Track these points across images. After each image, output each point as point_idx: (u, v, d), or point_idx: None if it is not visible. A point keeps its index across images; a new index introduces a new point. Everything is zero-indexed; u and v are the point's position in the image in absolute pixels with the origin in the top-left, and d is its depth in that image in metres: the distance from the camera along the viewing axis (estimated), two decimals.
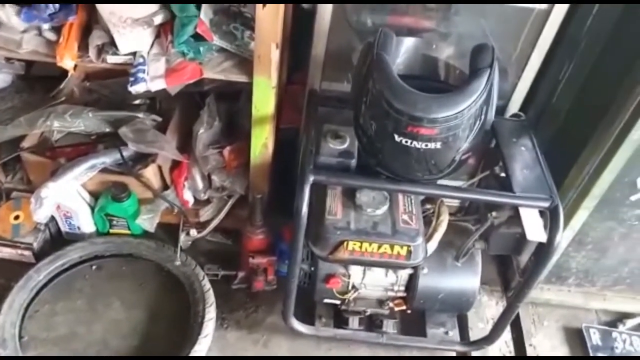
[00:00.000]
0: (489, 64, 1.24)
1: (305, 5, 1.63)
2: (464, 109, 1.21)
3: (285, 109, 1.82)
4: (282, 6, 1.39)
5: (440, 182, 1.44)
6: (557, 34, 1.49)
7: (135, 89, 1.44)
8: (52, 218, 1.76)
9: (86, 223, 1.78)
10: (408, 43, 1.49)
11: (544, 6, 1.45)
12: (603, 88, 1.45)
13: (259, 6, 1.33)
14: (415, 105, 1.21)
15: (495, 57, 1.25)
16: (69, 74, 1.80)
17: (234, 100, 1.86)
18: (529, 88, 1.61)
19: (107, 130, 1.77)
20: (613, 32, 1.44)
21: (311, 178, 1.31)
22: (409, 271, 1.56)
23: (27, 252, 1.75)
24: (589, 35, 1.48)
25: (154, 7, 1.46)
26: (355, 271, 1.56)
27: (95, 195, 1.78)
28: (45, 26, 1.46)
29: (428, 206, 1.59)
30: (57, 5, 1.43)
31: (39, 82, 2.00)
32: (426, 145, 1.23)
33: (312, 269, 1.57)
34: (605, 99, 1.40)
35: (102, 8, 1.42)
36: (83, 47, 1.47)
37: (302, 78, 1.69)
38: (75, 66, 1.48)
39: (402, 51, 1.48)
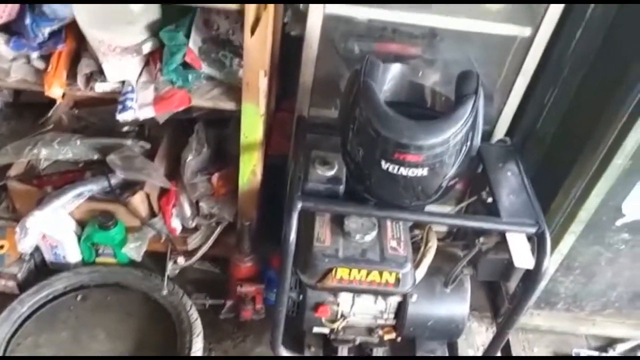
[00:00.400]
0: (474, 90, 1.25)
1: (293, 32, 1.66)
2: (450, 136, 1.22)
3: (274, 136, 1.83)
4: (270, 35, 1.41)
5: (428, 208, 1.46)
6: (540, 61, 1.52)
7: (123, 117, 1.44)
8: (37, 247, 1.74)
9: (72, 252, 1.76)
10: (394, 70, 1.50)
11: (527, 33, 1.49)
12: (587, 113, 1.47)
13: (247, 34, 1.35)
14: (402, 132, 1.22)
15: (480, 84, 1.27)
16: (57, 102, 1.79)
17: (223, 126, 1.87)
18: (515, 113, 1.64)
19: (95, 157, 1.77)
20: (596, 58, 1.47)
21: (299, 205, 1.31)
22: (398, 298, 1.55)
23: (10, 283, 1.72)
24: (572, 61, 1.51)
25: (143, 36, 1.47)
26: (345, 299, 1.54)
27: (81, 224, 1.76)
28: (34, 55, 1.47)
29: (416, 232, 1.59)
30: (46, 34, 1.44)
31: (28, 109, 2.00)
32: (413, 172, 1.24)
33: (301, 297, 1.56)
34: (589, 124, 1.42)
35: (91, 36, 1.43)
36: (71, 75, 1.48)
37: (291, 105, 1.71)
38: (64, 94, 1.48)
39: (389, 78, 1.49)
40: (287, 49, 1.71)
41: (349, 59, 1.67)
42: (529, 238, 1.39)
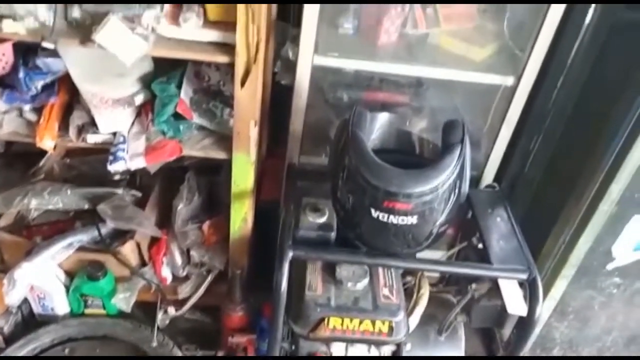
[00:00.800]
0: (460, 139, 1.28)
1: (283, 81, 1.69)
2: (438, 184, 1.23)
3: (265, 182, 1.84)
4: (260, 86, 1.43)
5: (419, 254, 1.45)
6: (524, 108, 1.56)
7: (114, 168, 1.45)
8: (25, 299, 1.71)
9: (60, 304, 1.73)
10: (382, 119, 1.53)
11: (510, 82, 1.53)
12: (571, 160, 1.50)
13: (237, 87, 1.38)
14: (391, 181, 1.23)
15: (466, 133, 1.29)
16: (49, 152, 1.80)
17: (214, 173, 1.88)
18: (502, 159, 1.66)
19: (86, 207, 1.76)
20: (577, 106, 1.51)
21: (290, 254, 1.31)
22: (392, 347, 1.53)
23: None
24: (554, 109, 1.54)
25: (135, 88, 1.50)
26: (338, 349, 1.52)
27: (70, 274, 1.73)
28: (27, 107, 1.48)
29: (409, 278, 1.58)
30: (39, 87, 1.46)
31: (19, 159, 2.00)
32: (403, 220, 1.25)
33: (293, 347, 1.53)
34: (574, 171, 1.45)
35: (83, 89, 1.46)
36: (63, 126, 1.49)
37: (282, 151, 1.72)
38: (55, 146, 1.49)
39: (377, 126, 1.52)
40: (278, 96, 1.74)
41: (338, 107, 1.71)
42: (521, 284, 1.40)
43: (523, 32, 1.50)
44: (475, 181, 1.67)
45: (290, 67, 1.58)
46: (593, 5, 1.42)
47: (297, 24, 1.47)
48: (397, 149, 1.52)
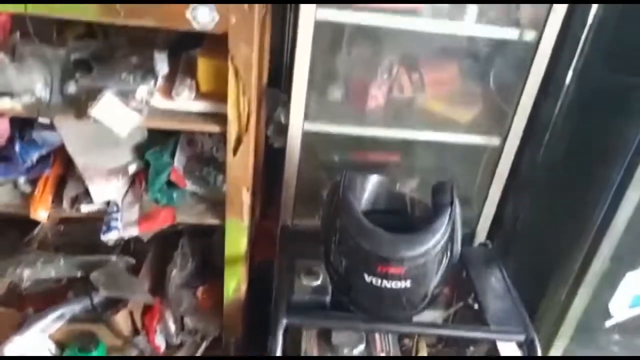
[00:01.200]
0: (449, 201, 1.30)
1: (276, 144, 1.73)
2: (430, 247, 1.24)
3: (259, 243, 1.84)
4: (252, 153, 1.46)
5: (415, 317, 1.44)
6: (512, 166, 1.59)
7: (107, 237, 1.45)
8: None
9: None
10: (373, 180, 1.55)
11: (496, 143, 1.56)
12: (561, 218, 1.51)
13: (229, 155, 1.40)
14: (383, 245, 1.24)
15: (455, 195, 1.31)
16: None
17: (208, 236, 1.88)
18: (494, 216, 1.68)
19: (79, 275, 1.75)
20: (564, 163, 1.54)
21: (284, 322, 1.30)
22: None
23: None
24: (542, 167, 1.57)
25: (129, 158, 1.53)
26: None
27: (61, 346, 1.70)
28: (21, 179, 1.50)
29: (406, 341, 1.56)
30: (34, 159, 1.49)
31: (12, 226, 2.00)
32: (396, 284, 1.24)
33: None
34: (565, 228, 1.46)
35: (78, 160, 1.48)
36: (57, 197, 1.51)
37: (276, 211, 1.73)
38: (49, 216, 1.50)
39: (368, 188, 1.54)
40: (272, 158, 1.76)
41: (330, 167, 1.74)
42: (520, 345, 1.38)
43: (508, 91, 1.55)
44: (468, 239, 1.68)
45: (283, 130, 1.62)
46: (573, 66, 1.48)
47: (288, 90, 1.52)
48: (389, 209, 1.54)
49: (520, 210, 1.65)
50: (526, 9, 1.39)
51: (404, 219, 1.47)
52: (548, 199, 1.58)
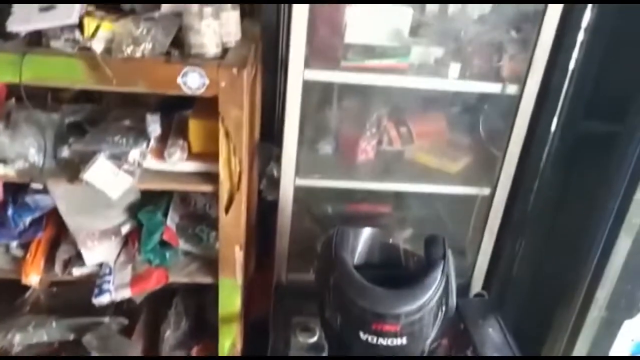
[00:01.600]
0: (441, 255, 1.29)
1: (269, 197, 1.73)
2: (424, 302, 1.23)
3: (254, 298, 1.82)
4: (244, 211, 1.47)
5: None
6: (504, 214, 1.60)
7: (99, 300, 1.44)
8: None
9: None
10: (366, 234, 1.56)
11: (486, 192, 1.58)
12: (557, 263, 1.52)
13: (222, 212, 1.41)
14: (376, 302, 1.23)
15: (447, 248, 1.31)
16: None
17: (202, 293, 1.85)
18: (488, 265, 1.67)
19: (71, 338, 1.71)
20: (557, 209, 1.55)
21: None
22: None
23: None
24: (534, 213, 1.59)
25: (121, 218, 1.53)
26: None
27: None
28: (14, 244, 1.50)
29: None
30: (27, 223, 1.49)
31: (3, 288, 1.97)
32: (392, 342, 1.23)
33: None
34: (560, 276, 1.46)
35: (71, 223, 1.48)
36: (49, 260, 1.50)
37: (271, 263, 1.72)
38: (41, 280, 1.49)
39: (361, 242, 1.54)
40: (266, 209, 1.76)
41: (324, 220, 1.74)
42: None
43: (495, 141, 1.58)
44: (464, 289, 1.67)
45: (275, 184, 1.63)
46: (556, 115, 1.51)
47: (280, 143, 1.54)
48: (382, 263, 1.54)
49: (514, 259, 1.65)
50: (508, 64, 1.44)
51: (398, 272, 1.46)
52: (541, 247, 1.58)
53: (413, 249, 1.51)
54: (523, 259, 1.63)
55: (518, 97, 1.44)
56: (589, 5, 1.38)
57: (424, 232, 1.40)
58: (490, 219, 1.58)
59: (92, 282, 1.50)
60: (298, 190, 1.57)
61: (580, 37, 1.42)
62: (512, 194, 1.57)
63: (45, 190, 1.44)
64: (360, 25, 1.39)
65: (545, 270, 1.59)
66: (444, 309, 1.27)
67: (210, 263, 1.53)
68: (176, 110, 1.50)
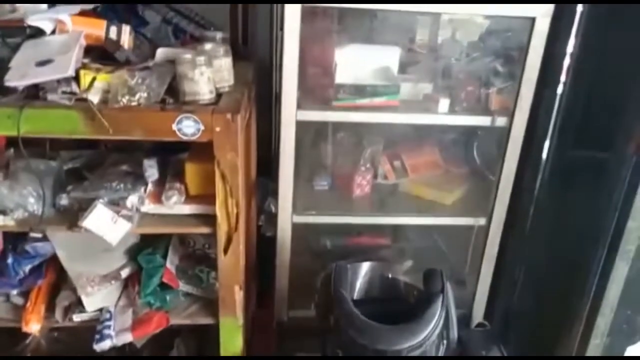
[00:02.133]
0: (440, 289, 1.30)
1: (268, 233, 1.74)
2: (425, 336, 1.24)
3: (256, 336, 1.81)
4: (243, 250, 1.47)
5: None
6: (501, 243, 1.61)
7: (100, 346, 1.43)
8: None
9: None
10: (365, 268, 1.56)
11: (482, 222, 1.59)
12: (557, 291, 1.51)
13: (220, 253, 1.42)
14: (378, 338, 1.23)
15: (446, 281, 1.32)
16: None
17: (204, 333, 1.84)
18: (489, 294, 1.67)
19: None
20: (553, 237, 1.56)
21: None
22: None
23: None
24: (530, 242, 1.59)
25: (121, 261, 1.53)
26: None
27: None
28: (14, 292, 1.50)
29: None
30: (27, 271, 1.49)
31: (4, 333, 1.96)
32: None
33: None
34: (561, 303, 1.46)
35: (70, 269, 1.48)
36: (50, 307, 1.50)
37: (271, 299, 1.71)
38: (41, 328, 1.49)
39: (360, 276, 1.55)
40: (265, 245, 1.76)
41: (322, 255, 1.75)
42: None
43: (488, 171, 1.60)
44: (466, 320, 1.66)
45: (274, 219, 1.64)
46: (547, 144, 1.53)
47: (277, 179, 1.55)
48: (382, 296, 1.54)
49: (514, 287, 1.65)
50: (495, 97, 1.47)
51: (398, 305, 1.46)
52: (540, 274, 1.58)
53: (413, 280, 1.52)
54: (523, 286, 1.63)
55: (508, 129, 1.47)
56: (573, 35, 1.40)
57: (423, 263, 1.41)
58: (487, 247, 1.59)
59: (93, 327, 1.50)
60: (296, 227, 1.58)
61: (566, 66, 1.45)
62: (508, 222, 1.58)
63: (44, 238, 1.45)
64: (350, 65, 1.42)
65: (545, 298, 1.58)
66: (445, 342, 1.28)
67: (211, 303, 1.53)
68: (172, 153, 1.51)
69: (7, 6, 1.25)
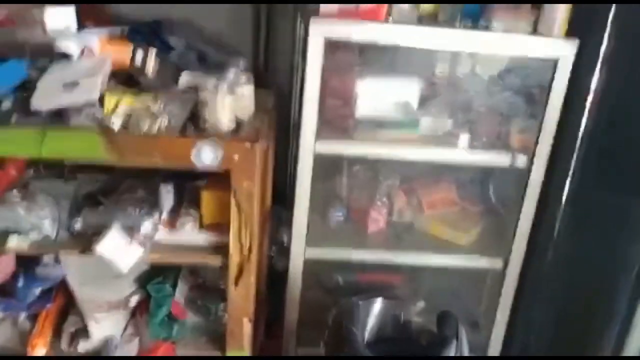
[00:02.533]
0: (454, 333, 1.26)
1: (279, 265, 1.71)
2: None
3: None
4: (253, 283, 1.45)
5: None
6: (518, 284, 1.56)
7: None
8: None
9: None
10: (376, 306, 1.52)
11: (499, 265, 1.55)
12: (573, 340, 1.47)
13: (231, 284, 1.39)
14: None
15: (460, 325, 1.28)
16: None
17: None
18: (504, 339, 1.62)
19: None
20: (569, 285, 1.52)
21: None
22: None
23: None
24: (548, 289, 1.54)
25: (130, 289, 1.51)
26: None
27: None
28: (22, 315, 1.48)
29: None
30: (36, 294, 1.47)
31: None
32: None
33: None
34: (580, 346, 1.41)
35: (79, 294, 1.47)
36: (57, 332, 1.48)
37: (280, 331, 1.67)
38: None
39: (372, 314, 1.50)
40: (276, 276, 1.73)
41: (334, 290, 1.71)
42: None
43: (506, 212, 1.57)
44: None
45: (286, 251, 1.61)
46: (567, 186, 1.50)
47: (291, 209, 1.53)
48: (394, 337, 1.49)
49: (530, 333, 1.60)
50: (516, 137, 1.45)
51: (410, 348, 1.42)
52: (558, 320, 1.53)
53: (425, 321, 1.48)
54: (539, 333, 1.58)
55: (527, 169, 1.45)
56: (596, 73, 1.37)
57: (436, 305, 1.37)
58: (504, 290, 1.55)
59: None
60: (308, 262, 1.56)
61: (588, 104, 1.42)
62: (525, 263, 1.54)
63: (56, 261, 1.44)
64: (370, 98, 1.42)
65: (564, 341, 1.53)
66: None
67: (219, 335, 1.49)
68: (189, 179, 1.51)
69: (39, 29, 1.28)
